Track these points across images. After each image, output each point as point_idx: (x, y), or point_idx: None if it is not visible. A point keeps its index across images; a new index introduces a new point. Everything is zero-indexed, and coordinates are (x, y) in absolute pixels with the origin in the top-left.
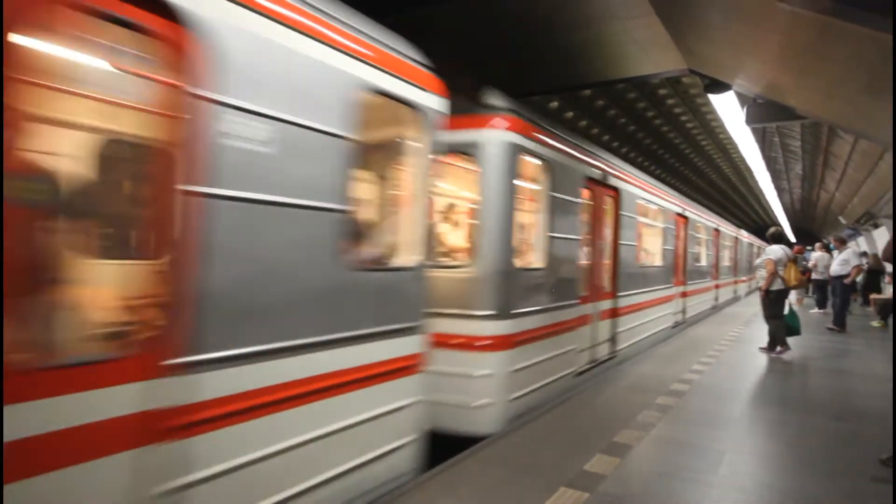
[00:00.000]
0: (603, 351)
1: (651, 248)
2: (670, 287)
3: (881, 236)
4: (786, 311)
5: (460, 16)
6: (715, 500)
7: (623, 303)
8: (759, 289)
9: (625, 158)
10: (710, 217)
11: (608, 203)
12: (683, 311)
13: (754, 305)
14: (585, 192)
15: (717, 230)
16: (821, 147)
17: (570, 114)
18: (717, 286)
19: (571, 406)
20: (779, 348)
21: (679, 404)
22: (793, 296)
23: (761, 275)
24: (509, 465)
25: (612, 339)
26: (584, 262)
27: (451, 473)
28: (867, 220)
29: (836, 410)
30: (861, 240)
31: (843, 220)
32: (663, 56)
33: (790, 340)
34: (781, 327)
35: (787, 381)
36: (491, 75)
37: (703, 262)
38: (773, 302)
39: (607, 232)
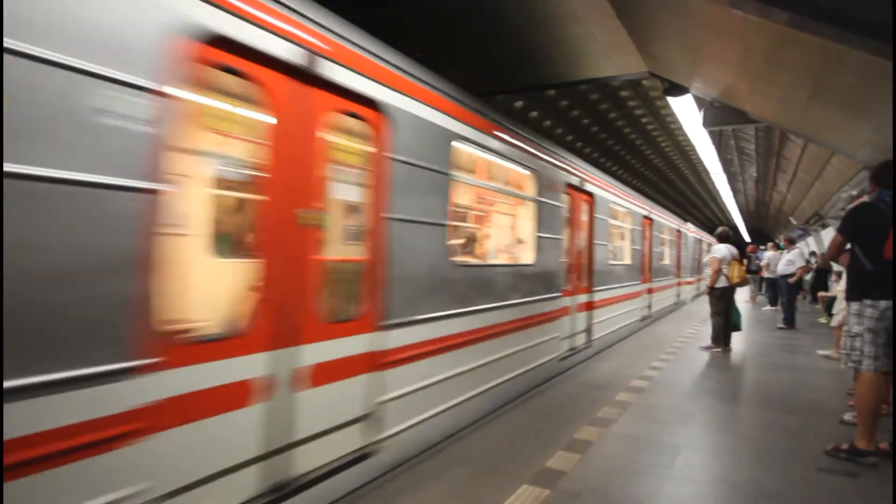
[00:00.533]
0: (580, 340)
1: (621, 248)
2: (638, 284)
3: (828, 237)
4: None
5: (423, 13)
6: (670, 493)
7: (597, 297)
8: (706, 287)
9: (588, 159)
10: (674, 219)
11: (585, 207)
12: (649, 307)
13: None
14: (566, 197)
15: (679, 231)
16: (773, 150)
17: (534, 113)
18: (679, 283)
19: (533, 404)
20: (722, 347)
21: (638, 401)
22: (747, 294)
23: (708, 273)
24: (472, 464)
25: (588, 330)
26: (565, 259)
27: (414, 473)
28: (816, 221)
29: (786, 404)
30: (810, 240)
31: (794, 221)
32: (624, 59)
33: (733, 335)
34: (722, 324)
35: (740, 376)
36: (455, 74)
37: (667, 262)
38: (717, 299)
39: (584, 233)
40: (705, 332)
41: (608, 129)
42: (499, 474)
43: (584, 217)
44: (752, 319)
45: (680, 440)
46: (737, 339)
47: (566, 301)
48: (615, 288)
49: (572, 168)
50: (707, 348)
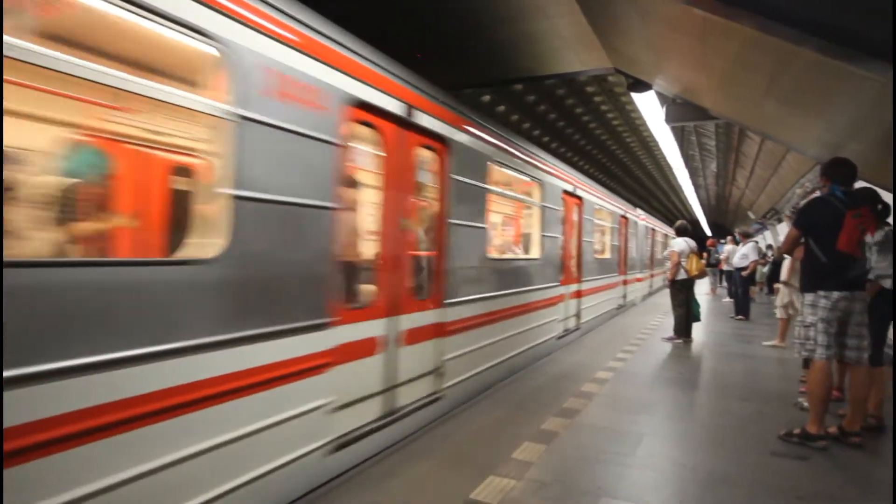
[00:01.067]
0: (572, 322)
1: (604, 244)
2: (616, 276)
3: (783, 231)
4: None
5: (390, 7)
6: (633, 480)
7: (585, 286)
8: (667, 279)
9: (555, 153)
10: (647, 218)
11: (575, 209)
12: (625, 296)
13: None
14: (562, 202)
15: (652, 229)
16: (732, 146)
17: (501, 108)
18: (651, 275)
19: (501, 396)
20: (683, 339)
21: (603, 391)
22: (707, 286)
23: (668, 266)
24: (439, 457)
25: (578, 315)
26: (563, 253)
27: (381, 467)
28: (772, 216)
29: (741, 392)
30: (767, 233)
31: (752, 215)
32: (589, 54)
33: (694, 326)
34: (683, 316)
35: (699, 366)
36: (423, 68)
37: (640, 256)
38: (678, 291)
39: (575, 231)
40: (668, 323)
41: (575, 124)
42: (465, 466)
43: (575, 217)
44: (712, 311)
45: (642, 428)
46: (697, 330)
47: (562, 289)
48: (599, 279)
49: (567, 177)
50: (669, 339)
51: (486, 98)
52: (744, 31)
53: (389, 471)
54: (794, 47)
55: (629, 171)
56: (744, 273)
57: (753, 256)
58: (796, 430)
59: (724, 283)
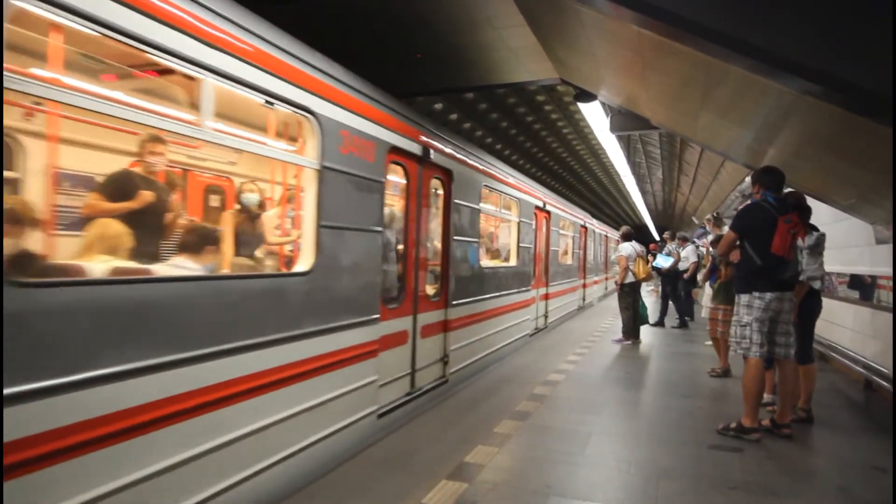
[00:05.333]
0: (542, 322)
1: (567, 251)
2: (577, 280)
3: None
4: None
5: (343, 13)
6: (581, 477)
7: (552, 290)
8: (616, 283)
9: (507, 161)
10: (605, 227)
11: (544, 221)
12: (584, 298)
13: None
14: (534, 215)
15: (606, 237)
16: (676, 154)
17: (454, 116)
18: (606, 278)
19: (455, 401)
20: (632, 340)
21: (554, 393)
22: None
23: (616, 270)
24: (392, 465)
25: (546, 315)
26: (535, 260)
27: (333, 478)
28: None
29: (684, 389)
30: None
31: (695, 220)
32: (537, 65)
33: (642, 328)
34: (631, 318)
35: (646, 366)
36: (374, 75)
37: (598, 262)
38: (625, 294)
39: (544, 241)
40: (619, 325)
41: (527, 133)
42: (418, 473)
43: (544, 229)
44: (658, 312)
45: (591, 428)
46: (644, 331)
47: (534, 292)
48: (562, 283)
49: (538, 194)
50: (619, 341)
51: (439, 106)
52: (677, 47)
53: (341, 478)
54: (725, 65)
55: (580, 178)
56: (685, 275)
57: (693, 258)
58: (732, 424)
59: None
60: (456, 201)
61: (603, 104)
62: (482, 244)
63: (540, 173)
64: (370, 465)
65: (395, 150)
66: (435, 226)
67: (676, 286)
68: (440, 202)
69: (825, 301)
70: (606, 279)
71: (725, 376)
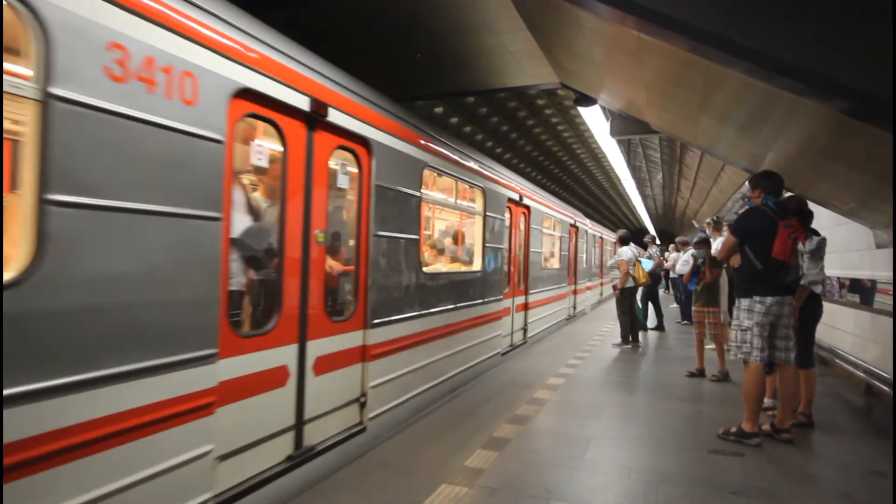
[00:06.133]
0: (519, 337)
1: (553, 254)
2: (565, 286)
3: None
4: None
5: (343, 18)
6: (581, 482)
7: (532, 298)
8: (614, 288)
9: (508, 165)
10: (600, 228)
11: (522, 218)
12: (574, 306)
13: None
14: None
15: (601, 238)
16: (676, 158)
17: (454, 119)
18: (601, 284)
19: (454, 405)
20: (631, 344)
21: (555, 397)
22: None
23: (615, 275)
24: (391, 468)
25: (525, 328)
26: (509, 264)
27: (332, 481)
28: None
29: (684, 393)
30: (710, 241)
31: (696, 224)
32: (538, 69)
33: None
34: (630, 322)
35: (646, 370)
36: (375, 79)
37: (590, 265)
38: (625, 299)
39: (521, 241)
40: (619, 329)
41: (527, 136)
42: (418, 476)
43: (522, 227)
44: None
45: (591, 432)
46: (643, 335)
47: (507, 302)
48: (546, 290)
49: (512, 185)
50: (618, 345)
51: (440, 110)
52: (676, 51)
53: (340, 482)
54: (722, 68)
55: (581, 182)
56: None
57: (691, 262)
58: (733, 429)
59: (670, 289)
60: (380, 184)
61: (603, 108)
62: (428, 244)
63: (540, 177)
64: (369, 469)
65: (252, 96)
66: (344, 217)
67: (656, 290)
68: (355, 185)
69: (825, 305)
70: (602, 284)
71: (701, 376)
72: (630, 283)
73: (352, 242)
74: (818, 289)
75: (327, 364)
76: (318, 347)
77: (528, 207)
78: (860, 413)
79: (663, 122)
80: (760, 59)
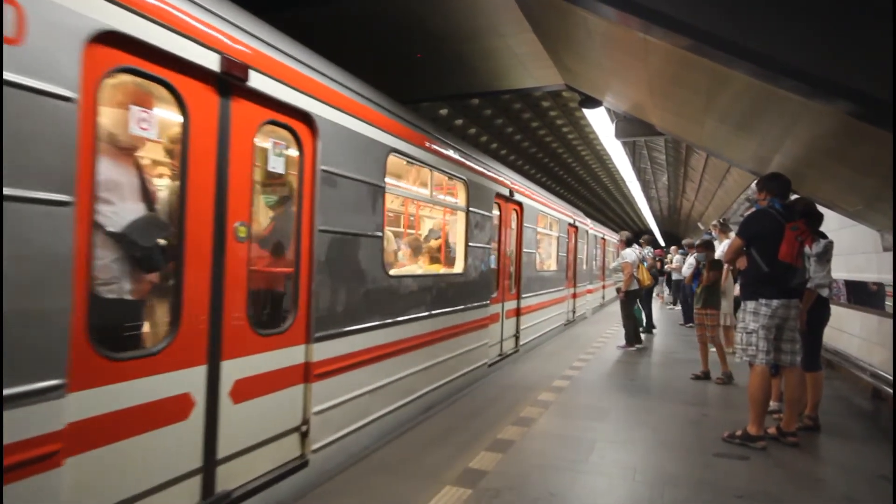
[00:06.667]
0: (509, 345)
1: (549, 255)
2: (563, 289)
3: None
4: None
5: (346, 20)
6: (584, 485)
7: (526, 303)
8: (618, 290)
9: (513, 167)
10: (602, 229)
11: (513, 216)
12: (573, 311)
13: None
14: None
15: (604, 239)
16: (681, 160)
17: (459, 121)
18: (604, 287)
19: (458, 407)
20: (635, 346)
21: (559, 399)
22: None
23: (619, 277)
24: (394, 470)
25: (517, 335)
26: (498, 266)
27: (336, 483)
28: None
29: (689, 396)
30: (716, 243)
31: (701, 226)
32: (542, 71)
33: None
34: (632, 326)
35: (650, 372)
36: (380, 81)
37: (592, 267)
38: (630, 301)
39: (512, 241)
40: (622, 332)
41: (532, 138)
42: (422, 478)
43: (513, 225)
44: (662, 318)
45: (595, 435)
46: (647, 336)
47: (495, 308)
48: (543, 293)
49: (501, 179)
50: (623, 347)
51: (444, 112)
52: (681, 52)
53: (344, 483)
54: (730, 71)
55: (585, 184)
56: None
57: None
58: (738, 432)
59: (666, 291)
60: (328, 170)
61: (608, 110)
62: (394, 242)
63: (545, 178)
64: (373, 469)
65: (128, 44)
66: (283, 209)
67: (650, 292)
68: (291, 169)
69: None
70: (604, 287)
71: (706, 378)
72: (634, 286)
73: (289, 241)
74: (825, 292)
75: (252, 388)
76: (237, 368)
77: (520, 204)
78: (867, 417)
79: (669, 124)
80: (764, 60)
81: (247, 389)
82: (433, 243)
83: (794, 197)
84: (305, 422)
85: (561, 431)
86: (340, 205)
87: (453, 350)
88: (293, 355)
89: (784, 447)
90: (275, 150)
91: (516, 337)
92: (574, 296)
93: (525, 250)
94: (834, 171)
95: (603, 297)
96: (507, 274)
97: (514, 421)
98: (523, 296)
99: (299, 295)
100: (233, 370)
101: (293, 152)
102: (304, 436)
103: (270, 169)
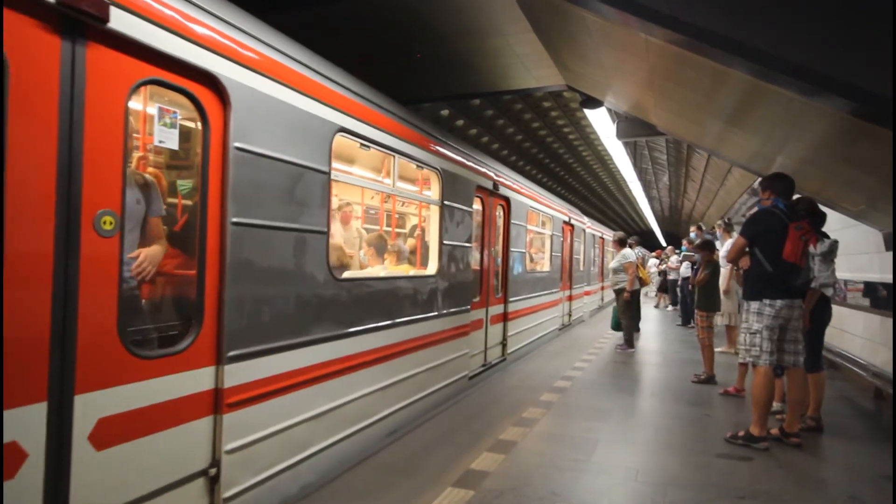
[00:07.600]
0: (495, 353)
1: (541, 255)
2: (557, 292)
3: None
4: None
5: (346, 20)
6: (587, 485)
7: (513, 307)
8: (621, 292)
9: (514, 167)
10: (600, 228)
11: (499, 212)
12: (569, 314)
13: None
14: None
15: (602, 238)
16: (682, 160)
17: (460, 122)
18: (602, 288)
19: (459, 408)
20: (631, 348)
21: (561, 400)
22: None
23: (621, 278)
24: (398, 471)
25: (503, 343)
26: (481, 266)
27: (340, 483)
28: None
29: (691, 397)
30: (717, 243)
31: (703, 227)
32: (544, 71)
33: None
34: (631, 327)
35: (653, 372)
36: (380, 81)
37: (589, 267)
38: (632, 302)
39: (497, 239)
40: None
41: (533, 139)
42: (424, 479)
43: (499, 223)
44: (659, 318)
45: (597, 435)
46: (648, 337)
47: (477, 313)
48: (534, 296)
49: (484, 170)
50: (623, 349)
51: (445, 112)
52: (682, 52)
53: (346, 484)
54: (731, 70)
55: (586, 184)
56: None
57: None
58: (741, 433)
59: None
60: (244, 148)
61: (609, 110)
62: (346, 239)
63: (546, 178)
64: (376, 470)
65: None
66: (186, 196)
67: (683, 290)
68: (191, 147)
69: (834, 308)
70: (602, 289)
71: (709, 383)
72: (636, 286)
73: (196, 234)
74: (829, 291)
75: (128, 427)
76: (101, 403)
77: (507, 199)
78: (870, 417)
79: (670, 125)
80: (765, 59)
81: (118, 430)
82: (408, 242)
83: (796, 196)
84: (215, 463)
85: (563, 432)
86: (265, 192)
87: (424, 363)
88: (196, 380)
89: (787, 448)
90: (163, 120)
91: (503, 344)
92: (570, 298)
93: (513, 249)
94: (837, 170)
95: (601, 299)
96: (493, 275)
97: (516, 422)
98: (511, 299)
99: (205, 304)
100: (93, 406)
101: (195, 125)
102: (214, 481)
103: (158, 144)
